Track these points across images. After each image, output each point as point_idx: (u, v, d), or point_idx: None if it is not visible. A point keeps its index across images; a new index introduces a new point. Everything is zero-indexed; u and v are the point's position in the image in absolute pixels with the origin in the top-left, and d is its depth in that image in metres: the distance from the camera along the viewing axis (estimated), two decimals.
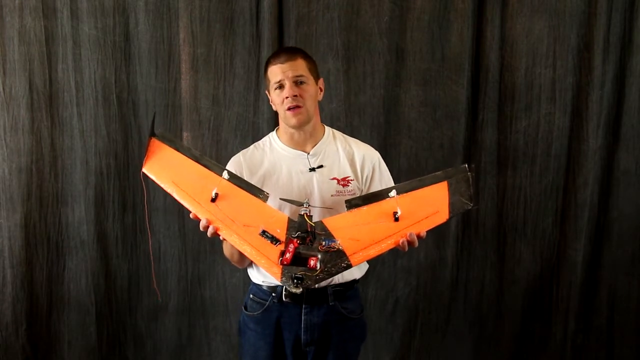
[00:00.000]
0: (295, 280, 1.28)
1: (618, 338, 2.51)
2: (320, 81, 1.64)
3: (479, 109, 2.37)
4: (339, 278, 1.60)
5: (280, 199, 1.52)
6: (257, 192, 1.48)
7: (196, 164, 1.48)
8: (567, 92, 2.35)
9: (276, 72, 1.55)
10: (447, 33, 2.33)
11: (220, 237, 1.39)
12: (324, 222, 1.45)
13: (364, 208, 1.47)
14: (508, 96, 2.37)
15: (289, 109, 1.54)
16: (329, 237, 1.40)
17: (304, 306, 1.60)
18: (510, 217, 2.44)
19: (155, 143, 1.49)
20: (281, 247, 1.36)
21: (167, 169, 1.46)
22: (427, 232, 2.45)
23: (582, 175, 2.40)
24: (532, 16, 2.32)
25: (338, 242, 1.37)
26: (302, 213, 1.43)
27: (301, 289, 1.28)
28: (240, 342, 1.74)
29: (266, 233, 1.38)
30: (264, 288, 1.63)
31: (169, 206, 2.38)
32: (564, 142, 2.39)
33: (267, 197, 1.48)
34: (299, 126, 1.57)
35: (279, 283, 1.59)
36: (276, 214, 1.47)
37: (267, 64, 1.59)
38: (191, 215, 1.41)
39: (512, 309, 2.49)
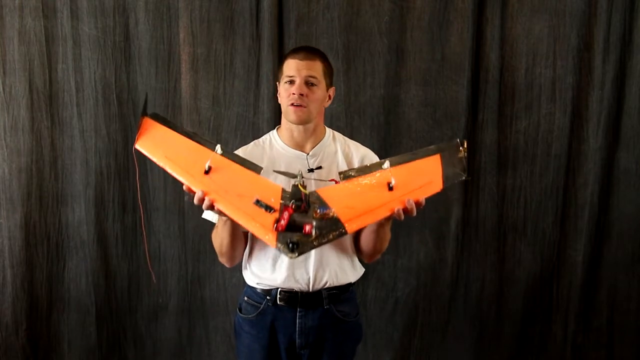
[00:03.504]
0: (290, 245, 1.25)
1: (618, 338, 2.51)
2: (332, 89, 1.64)
3: (479, 109, 2.37)
4: (334, 280, 1.59)
5: (274, 170, 1.51)
6: (250, 165, 1.46)
7: (189, 140, 1.46)
8: (567, 92, 2.35)
9: (291, 67, 1.55)
10: (447, 33, 2.33)
11: (215, 209, 1.35)
12: (318, 192, 1.44)
13: (358, 179, 1.46)
14: (508, 96, 2.37)
15: (292, 104, 1.54)
16: (324, 205, 1.37)
17: (298, 309, 1.59)
18: (510, 217, 2.44)
19: (148, 122, 1.46)
20: (275, 214, 1.33)
21: (160, 145, 1.44)
22: (427, 232, 2.45)
23: (582, 175, 2.40)
24: (532, 16, 2.32)
25: (333, 209, 1.35)
26: (295, 184, 1.41)
27: (297, 254, 1.24)
28: (236, 344, 1.74)
29: (260, 202, 1.35)
30: (258, 291, 1.63)
31: (169, 206, 2.39)
32: (564, 142, 2.38)
33: (261, 169, 1.46)
34: (298, 123, 1.57)
35: (273, 286, 1.59)
36: (270, 184, 1.45)
37: (286, 56, 1.59)
38: (184, 188, 1.38)
39: (512, 309, 2.49)
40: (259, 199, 1.36)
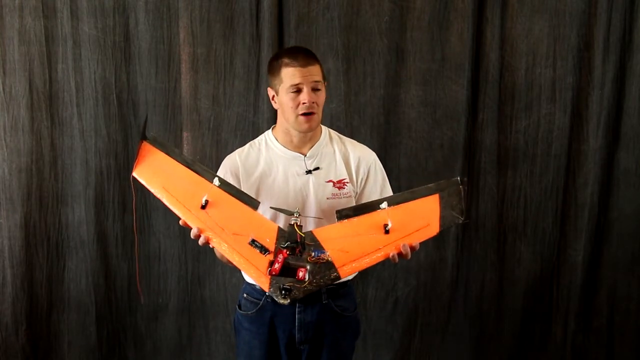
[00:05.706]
0: (283, 292, 1.29)
1: (618, 338, 2.52)
2: (326, 85, 1.62)
3: (479, 109, 2.37)
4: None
5: (271, 207, 1.51)
6: (247, 199, 1.46)
7: (187, 169, 1.47)
8: (567, 92, 2.36)
9: (295, 75, 1.49)
10: (447, 33, 2.33)
11: (210, 246, 1.39)
12: (313, 232, 1.45)
13: (355, 219, 1.45)
14: (508, 96, 2.37)
15: (303, 114, 1.52)
16: (319, 247, 1.39)
17: (297, 305, 1.59)
18: (510, 217, 2.44)
19: (147, 147, 1.47)
20: (270, 257, 1.36)
21: (158, 174, 1.45)
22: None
23: (582, 175, 2.40)
24: (532, 16, 2.32)
25: (327, 253, 1.37)
26: (292, 223, 1.43)
27: (289, 300, 1.29)
28: (235, 341, 1.75)
29: (255, 242, 1.38)
30: (257, 287, 1.63)
31: None
32: (564, 142, 2.39)
33: (258, 204, 1.47)
34: (309, 132, 1.57)
35: None
36: (266, 223, 1.46)
37: (282, 63, 1.52)
38: (180, 222, 1.40)
39: (512, 309, 2.49)
40: (254, 238, 1.38)
